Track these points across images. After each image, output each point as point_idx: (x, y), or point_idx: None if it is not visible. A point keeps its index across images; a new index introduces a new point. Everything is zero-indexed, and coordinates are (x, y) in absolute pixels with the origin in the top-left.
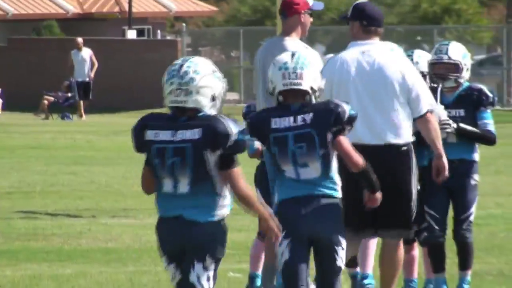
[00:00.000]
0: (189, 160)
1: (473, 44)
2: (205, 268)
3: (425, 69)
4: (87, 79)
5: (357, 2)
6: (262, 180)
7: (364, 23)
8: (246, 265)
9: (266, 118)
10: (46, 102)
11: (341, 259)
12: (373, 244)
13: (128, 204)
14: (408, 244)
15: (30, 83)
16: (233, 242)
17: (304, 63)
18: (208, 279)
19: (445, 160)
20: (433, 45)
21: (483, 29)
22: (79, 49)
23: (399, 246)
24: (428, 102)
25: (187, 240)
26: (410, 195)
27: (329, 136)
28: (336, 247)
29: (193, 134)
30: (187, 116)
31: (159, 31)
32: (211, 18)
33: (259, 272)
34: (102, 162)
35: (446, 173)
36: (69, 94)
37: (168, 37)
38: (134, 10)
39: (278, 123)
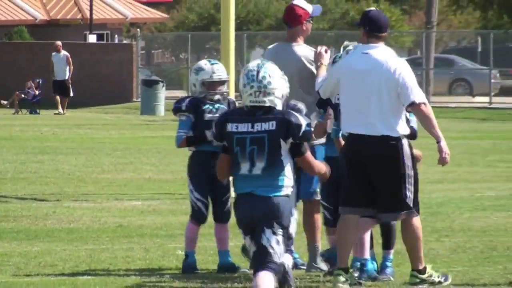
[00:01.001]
0: (266, 147)
1: (395, 47)
2: (274, 233)
3: None
4: (66, 78)
5: (366, 9)
6: None
7: (367, 29)
8: None
9: None
10: (17, 98)
11: None
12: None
13: (89, 190)
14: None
15: (2, 82)
16: (181, 223)
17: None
18: (277, 242)
19: (443, 143)
20: None
21: (405, 34)
22: (58, 51)
23: (412, 221)
24: (419, 95)
25: (257, 211)
26: (401, 180)
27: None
28: None
29: (269, 125)
30: (262, 111)
31: (116, 36)
32: (163, 24)
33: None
34: (65, 152)
35: (446, 155)
36: (37, 92)
37: (125, 41)
38: (94, 17)
39: None
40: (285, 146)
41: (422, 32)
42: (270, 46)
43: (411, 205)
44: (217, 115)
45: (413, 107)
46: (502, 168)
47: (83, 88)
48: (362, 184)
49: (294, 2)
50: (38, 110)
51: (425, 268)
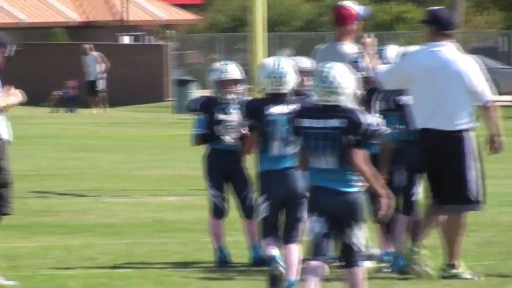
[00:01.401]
0: (336, 143)
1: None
2: (354, 230)
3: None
4: (97, 78)
5: (431, 8)
6: None
7: (433, 28)
8: (227, 238)
9: None
10: (54, 98)
11: None
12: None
13: (126, 186)
14: None
15: (41, 82)
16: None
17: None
18: (360, 236)
19: (501, 138)
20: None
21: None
22: (87, 54)
23: (460, 216)
24: (490, 94)
25: (331, 205)
26: (465, 174)
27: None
28: None
29: (339, 122)
30: (334, 109)
31: (149, 37)
32: (194, 25)
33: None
34: (103, 149)
35: (500, 147)
36: (75, 92)
37: (157, 42)
38: (128, 18)
39: None
40: (353, 142)
41: None
42: (322, 46)
43: (477, 199)
44: (229, 115)
45: (485, 106)
46: None
47: (118, 88)
48: (439, 179)
49: (342, 3)
50: (76, 109)
51: (458, 264)
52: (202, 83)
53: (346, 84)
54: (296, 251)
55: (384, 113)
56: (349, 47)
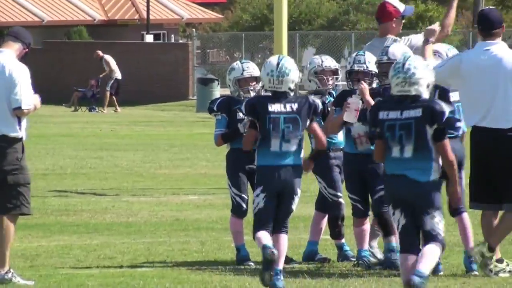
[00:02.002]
0: (412, 132)
1: None
2: (432, 217)
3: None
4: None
5: (481, 9)
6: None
7: (480, 28)
8: (247, 237)
9: None
10: (76, 96)
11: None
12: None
13: (146, 185)
14: (361, 218)
15: (62, 80)
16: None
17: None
18: (438, 223)
19: None
20: None
21: (453, 33)
22: (100, 59)
23: None
24: None
25: (409, 193)
26: None
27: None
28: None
29: (415, 113)
30: (410, 99)
31: (172, 36)
32: (218, 24)
33: (243, 243)
34: (124, 148)
35: None
36: (96, 90)
37: (180, 41)
38: (151, 17)
39: None
40: (430, 131)
41: (469, 31)
42: (368, 43)
43: None
44: None
45: None
46: None
47: (139, 87)
48: (490, 179)
49: (387, 0)
50: (97, 108)
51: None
52: (224, 81)
53: (420, 74)
54: (285, 241)
55: None
56: (387, 41)
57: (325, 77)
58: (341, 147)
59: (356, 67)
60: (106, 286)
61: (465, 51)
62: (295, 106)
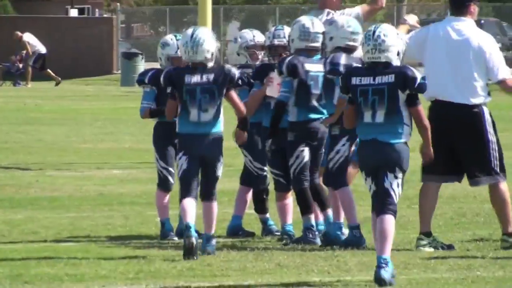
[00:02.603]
0: (385, 98)
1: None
2: (396, 177)
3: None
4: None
5: None
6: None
7: (451, 2)
8: (171, 211)
9: None
10: (0, 70)
11: None
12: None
13: (71, 159)
14: (283, 192)
15: None
16: None
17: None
18: (398, 186)
19: None
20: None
21: None
22: (19, 39)
23: (499, 185)
24: (506, 72)
25: (381, 157)
26: (485, 147)
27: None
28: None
29: (388, 78)
30: (382, 66)
31: (97, 10)
32: None
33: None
34: (48, 123)
35: None
36: (21, 65)
37: (105, 15)
38: None
39: None
40: (402, 97)
41: (393, 5)
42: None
43: (498, 170)
44: None
45: (500, 83)
46: None
47: (65, 61)
48: (445, 152)
49: None
50: (21, 83)
51: None
52: (149, 55)
53: (390, 41)
54: (214, 209)
55: None
56: (327, 14)
57: (256, 52)
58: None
59: (276, 42)
60: (30, 260)
61: (434, 24)
62: (211, 76)
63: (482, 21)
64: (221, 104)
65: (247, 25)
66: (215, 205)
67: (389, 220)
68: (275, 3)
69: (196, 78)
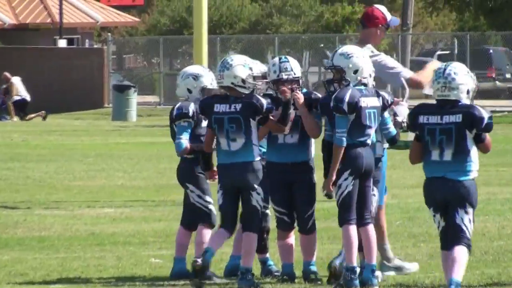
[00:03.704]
0: (453, 137)
1: None
2: (466, 213)
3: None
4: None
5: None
6: None
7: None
8: (166, 251)
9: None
10: None
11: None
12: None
13: (60, 197)
14: (285, 231)
15: None
16: (154, 231)
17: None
18: (469, 221)
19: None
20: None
21: None
22: (7, 81)
23: None
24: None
25: (450, 193)
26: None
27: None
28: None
29: (455, 118)
30: (450, 105)
31: (87, 40)
32: (134, 28)
33: (184, 256)
34: (36, 159)
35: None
36: (4, 99)
37: (95, 46)
38: (64, 21)
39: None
40: (470, 136)
41: (398, 34)
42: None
43: None
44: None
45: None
46: (492, 172)
47: (53, 94)
48: None
49: (376, 6)
50: (7, 116)
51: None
52: (141, 88)
53: (461, 80)
54: (250, 239)
55: None
56: (368, 50)
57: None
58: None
59: (284, 76)
60: None
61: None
62: (239, 106)
63: (491, 51)
64: (252, 133)
65: (245, 55)
66: (252, 237)
67: (462, 250)
68: (274, 33)
69: (224, 107)
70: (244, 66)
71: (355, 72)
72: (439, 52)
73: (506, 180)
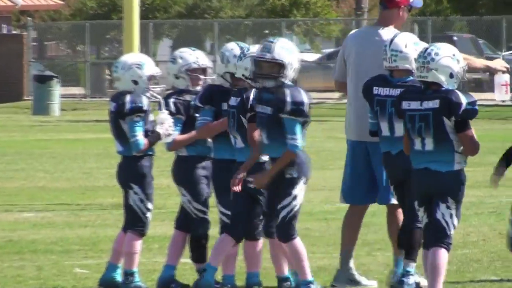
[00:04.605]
0: (430, 124)
1: (321, 37)
2: (448, 208)
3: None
4: None
5: None
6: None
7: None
8: (92, 260)
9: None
10: None
11: None
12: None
13: None
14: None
15: None
16: (79, 237)
17: None
18: (451, 216)
19: None
20: None
21: (332, 22)
22: None
23: None
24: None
25: (433, 186)
26: None
27: None
28: None
29: (433, 104)
30: (432, 89)
31: (4, 25)
32: (57, 12)
33: (119, 264)
34: None
35: None
36: None
37: (14, 31)
38: None
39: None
40: (449, 124)
41: (351, 20)
42: (354, 31)
43: None
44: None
45: None
46: None
47: None
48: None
49: None
50: None
51: None
52: (65, 79)
53: (446, 62)
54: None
55: None
56: (388, 32)
57: (199, 76)
58: (210, 155)
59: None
60: None
61: None
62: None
63: (455, 38)
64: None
65: (181, 43)
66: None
67: (441, 254)
68: (214, 18)
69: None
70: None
71: None
72: None
73: (472, 181)
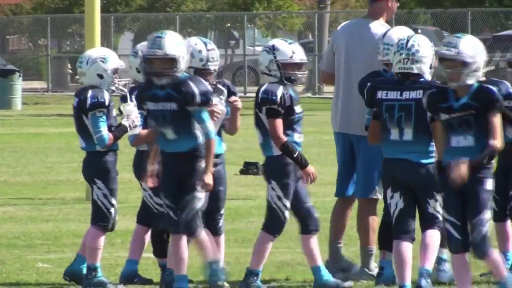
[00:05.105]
0: (412, 114)
1: (283, 30)
2: (436, 200)
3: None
4: None
5: None
6: None
7: None
8: (54, 255)
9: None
10: None
11: None
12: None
13: None
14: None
15: None
16: (41, 232)
17: None
18: (440, 205)
19: None
20: (243, 32)
21: (294, 15)
22: None
23: None
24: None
25: (414, 178)
26: None
27: None
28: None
29: (416, 94)
30: (411, 80)
31: None
32: (19, 5)
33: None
34: None
35: None
36: None
37: None
38: None
39: None
40: (430, 114)
41: (314, 12)
42: (343, 23)
43: None
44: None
45: None
46: None
47: None
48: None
49: None
50: None
51: None
52: (27, 73)
53: (425, 53)
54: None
55: None
56: (377, 25)
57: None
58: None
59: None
60: None
61: None
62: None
63: (419, 31)
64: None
65: (142, 36)
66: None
67: (435, 234)
68: (175, 11)
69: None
70: (267, 53)
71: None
72: None
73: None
